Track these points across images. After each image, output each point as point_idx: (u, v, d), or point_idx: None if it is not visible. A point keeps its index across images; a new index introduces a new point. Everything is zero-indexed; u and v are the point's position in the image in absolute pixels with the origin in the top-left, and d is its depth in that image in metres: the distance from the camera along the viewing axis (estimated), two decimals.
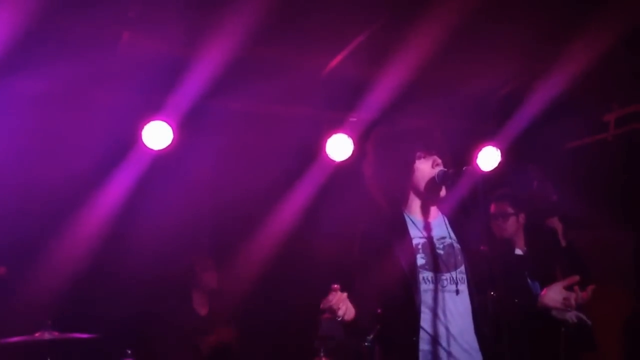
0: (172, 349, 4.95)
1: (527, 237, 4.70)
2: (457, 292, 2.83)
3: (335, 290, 2.61)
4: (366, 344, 4.55)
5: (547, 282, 4.49)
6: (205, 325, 5.10)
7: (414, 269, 2.81)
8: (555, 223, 4.65)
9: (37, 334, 4.07)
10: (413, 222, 2.95)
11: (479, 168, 5.47)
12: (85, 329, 4.23)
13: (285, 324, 5.70)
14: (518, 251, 4.64)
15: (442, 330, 2.77)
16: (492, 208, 4.68)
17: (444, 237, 2.94)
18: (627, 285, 5.82)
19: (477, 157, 5.60)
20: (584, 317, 4.35)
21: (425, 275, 2.82)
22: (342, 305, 2.60)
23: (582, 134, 6.01)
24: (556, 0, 4.37)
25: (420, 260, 2.84)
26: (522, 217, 4.67)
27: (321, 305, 2.63)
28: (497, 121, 5.71)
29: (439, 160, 2.96)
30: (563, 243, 4.64)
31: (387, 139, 3.07)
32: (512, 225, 4.65)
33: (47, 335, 4.06)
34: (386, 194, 3.03)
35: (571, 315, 4.35)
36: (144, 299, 5.12)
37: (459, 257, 2.89)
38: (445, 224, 2.99)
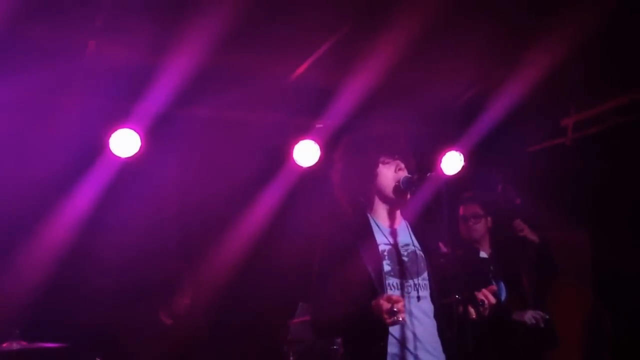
0: (140, 357, 4.92)
1: (493, 239, 4.78)
2: (419, 298, 2.89)
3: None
4: (334, 347, 4.64)
5: (512, 283, 4.63)
6: (171, 334, 5.07)
7: (380, 275, 2.86)
8: (520, 224, 4.73)
9: (5, 344, 4.04)
10: (379, 228, 3.00)
11: (443, 173, 5.57)
12: (54, 338, 4.21)
13: (253, 328, 5.70)
14: (483, 254, 4.70)
15: (409, 334, 2.83)
16: (462, 210, 4.74)
17: (407, 244, 2.99)
18: (585, 284, 5.99)
19: (440, 162, 5.68)
20: (541, 317, 4.48)
21: (391, 281, 2.87)
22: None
23: (541, 138, 6.15)
24: (514, 8, 4.47)
25: (386, 266, 2.89)
26: (489, 219, 4.75)
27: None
28: (460, 126, 5.79)
29: (402, 165, 3.00)
30: (536, 240, 4.72)
31: (351, 145, 3.13)
32: (483, 226, 4.72)
33: (15, 346, 4.03)
34: (352, 200, 3.07)
35: (529, 317, 4.49)
36: (111, 307, 5.09)
37: (422, 265, 2.95)
38: (409, 231, 3.06)
